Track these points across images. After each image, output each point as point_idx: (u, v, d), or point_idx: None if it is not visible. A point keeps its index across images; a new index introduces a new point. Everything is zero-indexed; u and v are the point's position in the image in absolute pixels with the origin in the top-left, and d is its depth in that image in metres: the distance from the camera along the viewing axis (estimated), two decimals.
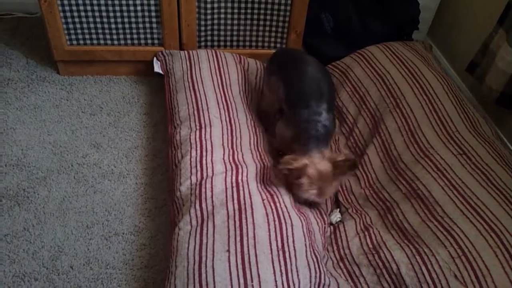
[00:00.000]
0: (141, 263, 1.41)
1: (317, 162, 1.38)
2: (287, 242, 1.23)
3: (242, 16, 2.00)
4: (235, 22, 2.01)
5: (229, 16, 1.99)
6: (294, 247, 1.22)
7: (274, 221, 1.27)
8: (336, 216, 1.55)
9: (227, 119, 1.63)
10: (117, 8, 1.89)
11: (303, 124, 1.47)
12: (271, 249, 1.19)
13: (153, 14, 1.93)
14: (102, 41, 1.99)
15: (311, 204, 1.48)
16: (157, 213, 1.56)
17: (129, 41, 2.01)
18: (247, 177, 1.41)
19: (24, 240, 1.43)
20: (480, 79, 1.88)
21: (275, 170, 1.49)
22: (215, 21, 2.00)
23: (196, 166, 1.43)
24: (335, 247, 1.44)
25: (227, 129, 1.59)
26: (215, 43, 2.08)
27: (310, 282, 1.19)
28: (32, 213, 1.51)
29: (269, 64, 1.73)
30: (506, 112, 1.86)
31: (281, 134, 1.59)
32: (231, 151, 1.51)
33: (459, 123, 1.61)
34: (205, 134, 1.54)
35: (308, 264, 1.21)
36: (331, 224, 1.53)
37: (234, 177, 1.39)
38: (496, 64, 1.74)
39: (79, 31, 1.94)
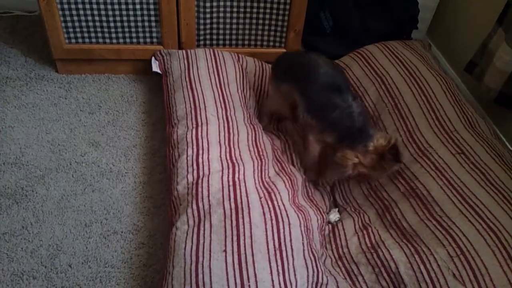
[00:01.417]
0: (140, 262, 1.41)
1: (365, 159, 1.43)
2: (284, 241, 1.23)
3: (241, 15, 1.99)
4: (234, 20, 2.01)
5: (228, 14, 1.99)
6: (291, 246, 1.22)
7: (271, 220, 1.27)
8: (335, 216, 1.55)
9: (224, 117, 1.63)
10: (116, 6, 1.89)
11: (340, 125, 1.48)
12: (268, 249, 1.19)
13: (152, 12, 1.92)
14: (100, 40, 1.99)
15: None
16: (156, 212, 1.56)
17: (127, 40, 2.00)
18: (244, 175, 1.41)
19: (23, 238, 1.43)
20: (478, 79, 1.88)
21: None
22: (214, 20, 2.00)
23: (192, 165, 1.43)
24: (333, 246, 1.44)
25: (224, 126, 1.59)
26: (214, 42, 2.08)
27: (308, 281, 1.19)
28: (30, 211, 1.51)
29: (276, 70, 1.71)
30: (505, 111, 1.86)
31: (323, 140, 1.57)
32: (228, 148, 1.51)
33: (457, 123, 1.61)
34: (201, 132, 1.54)
35: (306, 264, 1.21)
36: (329, 223, 1.53)
37: (230, 176, 1.39)
38: (494, 64, 1.74)
39: (77, 29, 1.94)
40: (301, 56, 1.69)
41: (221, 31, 2.04)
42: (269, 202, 1.33)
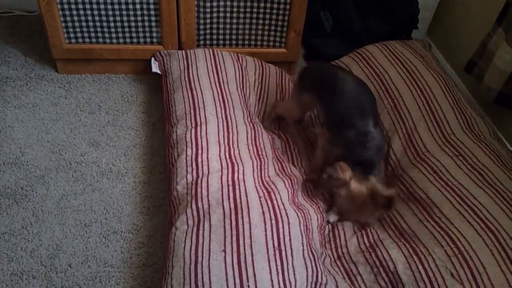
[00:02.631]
0: (140, 262, 1.41)
1: (355, 186, 1.37)
2: (284, 241, 1.23)
3: (242, 15, 1.99)
4: (235, 21, 2.01)
5: (228, 15, 1.99)
6: (290, 246, 1.23)
7: (271, 219, 1.27)
8: (334, 216, 1.55)
9: (223, 116, 1.63)
10: (116, 6, 1.89)
11: (350, 147, 1.44)
12: (267, 249, 1.19)
13: (152, 12, 1.93)
14: (100, 40, 1.99)
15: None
16: (156, 211, 1.56)
17: (128, 40, 2.01)
18: (243, 174, 1.41)
19: (22, 238, 1.44)
20: (478, 78, 1.88)
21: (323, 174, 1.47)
22: (214, 20, 2.00)
23: (191, 165, 1.43)
24: (333, 245, 1.45)
25: (223, 125, 1.59)
26: (214, 42, 2.08)
27: (307, 281, 1.19)
28: (30, 211, 1.51)
29: (301, 79, 1.67)
30: (504, 111, 1.86)
31: (326, 150, 1.56)
32: (227, 147, 1.51)
33: (455, 125, 1.62)
34: (200, 132, 1.54)
35: (305, 263, 1.22)
36: (328, 222, 1.53)
37: (230, 176, 1.39)
38: (494, 63, 1.74)
39: (77, 29, 1.94)
40: (331, 71, 1.63)
41: (221, 31, 2.04)
42: (269, 202, 1.33)
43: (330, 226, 1.52)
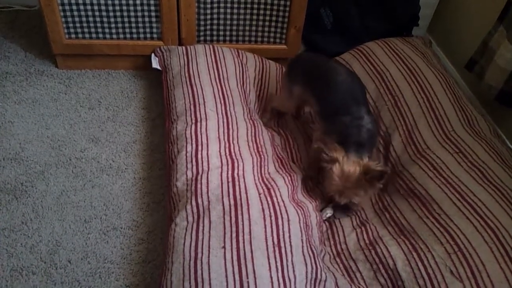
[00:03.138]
0: (139, 258, 1.42)
1: (347, 163, 1.38)
2: (283, 237, 1.23)
3: (242, 11, 1.99)
4: (235, 16, 2.01)
5: (228, 10, 1.98)
6: (290, 242, 1.23)
7: (270, 216, 1.27)
8: (326, 212, 1.53)
9: (223, 112, 1.63)
10: (116, 2, 1.88)
11: (345, 131, 1.46)
12: (266, 245, 1.20)
13: (152, 8, 1.92)
14: (100, 35, 1.99)
15: (345, 207, 1.48)
16: (155, 207, 1.56)
17: (128, 35, 2.00)
18: (243, 171, 1.41)
19: (22, 234, 1.44)
20: (479, 76, 1.88)
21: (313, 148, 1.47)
22: (215, 16, 1.99)
23: (191, 161, 1.43)
24: (332, 242, 1.45)
25: (223, 121, 1.59)
26: (214, 38, 2.07)
27: (306, 277, 1.19)
28: (30, 207, 1.51)
29: (290, 71, 1.69)
30: (505, 109, 1.86)
31: (321, 142, 1.56)
32: (227, 143, 1.51)
33: (456, 122, 1.62)
34: (200, 128, 1.54)
35: (305, 260, 1.22)
36: (324, 220, 1.53)
37: (230, 172, 1.39)
38: (495, 61, 1.74)
39: (77, 24, 1.94)
40: (321, 62, 1.65)
41: (221, 27, 2.04)
42: (268, 198, 1.33)
43: (327, 223, 1.52)
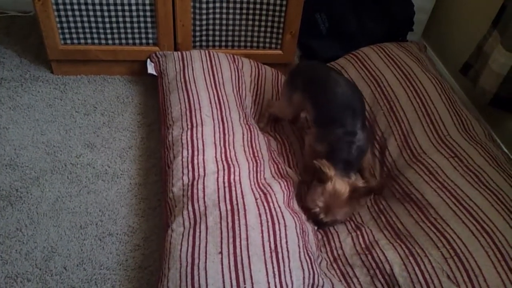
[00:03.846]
0: (135, 264, 1.41)
1: (338, 182, 1.39)
2: (280, 243, 1.23)
3: (238, 16, 1.99)
4: (230, 22, 2.01)
5: (224, 16, 1.99)
6: (287, 248, 1.22)
7: (267, 222, 1.27)
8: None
9: (220, 117, 1.63)
10: (112, 7, 1.88)
11: (336, 144, 1.47)
12: (264, 251, 1.19)
13: (148, 14, 1.92)
14: (96, 41, 1.98)
15: (319, 224, 1.48)
16: (151, 213, 1.56)
17: (123, 41, 2.00)
18: (239, 176, 1.41)
19: (17, 240, 1.43)
20: (473, 81, 1.89)
21: (307, 164, 1.48)
22: (210, 21, 2.00)
23: (187, 166, 1.43)
24: (328, 248, 1.44)
25: (219, 127, 1.59)
26: (210, 43, 2.08)
27: (303, 283, 1.19)
28: (25, 213, 1.50)
29: (291, 78, 1.69)
30: (500, 113, 1.87)
31: (313, 148, 1.58)
32: (223, 149, 1.51)
33: (451, 126, 1.63)
34: (196, 134, 1.54)
35: (302, 265, 1.21)
36: (317, 229, 1.52)
37: (226, 177, 1.39)
38: (489, 66, 1.75)
39: (73, 30, 1.94)
40: (320, 71, 1.66)
41: (217, 33, 2.04)
42: (265, 204, 1.33)
43: (322, 230, 1.52)
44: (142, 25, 1.96)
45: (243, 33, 2.06)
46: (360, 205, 1.44)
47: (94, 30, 1.95)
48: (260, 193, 1.37)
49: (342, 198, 1.39)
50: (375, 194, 1.62)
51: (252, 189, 1.38)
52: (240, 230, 1.22)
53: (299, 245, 1.26)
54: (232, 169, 1.43)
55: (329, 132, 1.50)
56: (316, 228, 1.48)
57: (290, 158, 1.73)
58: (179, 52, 1.96)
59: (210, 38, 2.05)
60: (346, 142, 1.46)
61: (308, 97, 1.60)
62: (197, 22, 1.98)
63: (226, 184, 1.36)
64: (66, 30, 1.93)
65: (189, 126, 1.57)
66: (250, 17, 2.00)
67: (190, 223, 1.27)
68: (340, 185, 1.39)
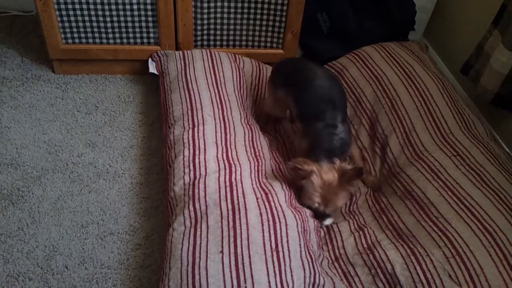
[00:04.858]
0: (136, 263, 1.41)
1: (324, 171, 1.38)
2: (281, 242, 1.23)
3: (239, 16, 1.99)
4: (232, 21, 2.01)
5: (225, 15, 1.99)
6: (288, 247, 1.22)
7: (268, 221, 1.26)
8: (325, 220, 1.53)
9: (221, 117, 1.63)
10: (113, 7, 1.88)
11: (317, 137, 1.48)
12: (264, 250, 1.19)
13: (149, 13, 1.92)
14: (97, 40, 1.98)
15: (319, 215, 1.47)
16: (153, 212, 1.56)
17: (125, 40, 2.00)
18: (241, 175, 1.41)
19: (19, 239, 1.43)
20: (475, 80, 1.88)
21: (287, 167, 1.48)
22: (212, 21, 2.00)
23: (189, 166, 1.43)
24: (330, 247, 1.44)
25: (220, 126, 1.59)
26: (211, 43, 2.07)
27: (304, 282, 1.19)
28: (26, 212, 1.51)
29: (274, 76, 1.70)
30: (501, 112, 1.87)
31: (299, 145, 1.58)
32: (224, 148, 1.51)
33: (453, 125, 1.62)
34: (198, 133, 1.54)
35: (303, 265, 1.21)
36: (321, 226, 1.52)
37: (227, 177, 1.39)
38: (491, 65, 1.74)
39: (74, 29, 1.94)
40: (300, 65, 1.67)
41: (218, 32, 2.04)
42: (266, 203, 1.33)
43: (325, 228, 1.52)
44: (143, 24, 1.96)
45: (244, 32, 2.06)
46: (354, 186, 1.43)
47: (95, 30, 1.95)
48: (262, 192, 1.37)
49: (334, 184, 1.38)
50: (374, 191, 1.62)
51: (253, 188, 1.38)
52: (241, 229, 1.22)
53: (300, 244, 1.26)
54: (233, 169, 1.43)
55: (310, 128, 1.51)
56: (319, 226, 1.48)
57: (291, 157, 1.73)
58: (180, 52, 1.96)
59: (212, 37, 2.05)
60: (327, 134, 1.47)
61: (289, 91, 1.61)
62: (199, 22, 1.98)
63: (227, 184, 1.36)
64: (68, 30, 1.93)
65: (191, 126, 1.57)
66: (252, 16, 2.00)
67: (191, 222, 1.27)
68: (326, 173, 1.38)
